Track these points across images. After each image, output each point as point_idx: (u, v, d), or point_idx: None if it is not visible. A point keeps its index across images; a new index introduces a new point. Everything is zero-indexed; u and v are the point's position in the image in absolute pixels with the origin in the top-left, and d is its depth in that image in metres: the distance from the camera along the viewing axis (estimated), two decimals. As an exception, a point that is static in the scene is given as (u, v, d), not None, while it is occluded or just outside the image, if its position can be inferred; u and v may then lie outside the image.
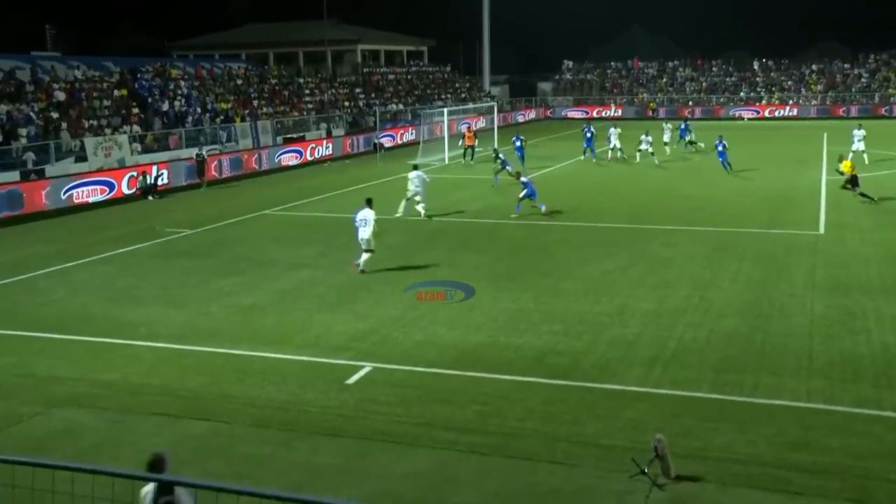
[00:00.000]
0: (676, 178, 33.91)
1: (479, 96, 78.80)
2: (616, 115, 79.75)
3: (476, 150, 42.36)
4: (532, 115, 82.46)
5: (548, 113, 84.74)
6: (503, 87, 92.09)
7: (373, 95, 63.87)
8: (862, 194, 27.64)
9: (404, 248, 22.40)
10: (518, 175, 28.48)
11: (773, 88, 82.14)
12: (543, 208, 26.71)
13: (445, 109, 47.73)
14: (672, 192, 31.42)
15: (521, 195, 26.69)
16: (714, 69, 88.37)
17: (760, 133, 60.70)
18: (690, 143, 45.01)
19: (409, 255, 21.47)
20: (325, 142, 48.45)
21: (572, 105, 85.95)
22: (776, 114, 77.20)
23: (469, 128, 48.23)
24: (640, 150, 40.59)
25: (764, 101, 79.98)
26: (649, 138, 40.81)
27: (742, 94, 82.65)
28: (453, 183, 35.69)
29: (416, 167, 28.28)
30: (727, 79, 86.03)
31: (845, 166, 29.32)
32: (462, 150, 42.58)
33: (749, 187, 32.12)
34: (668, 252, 21.22)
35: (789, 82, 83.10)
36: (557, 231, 24.36)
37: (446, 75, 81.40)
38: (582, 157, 42.43)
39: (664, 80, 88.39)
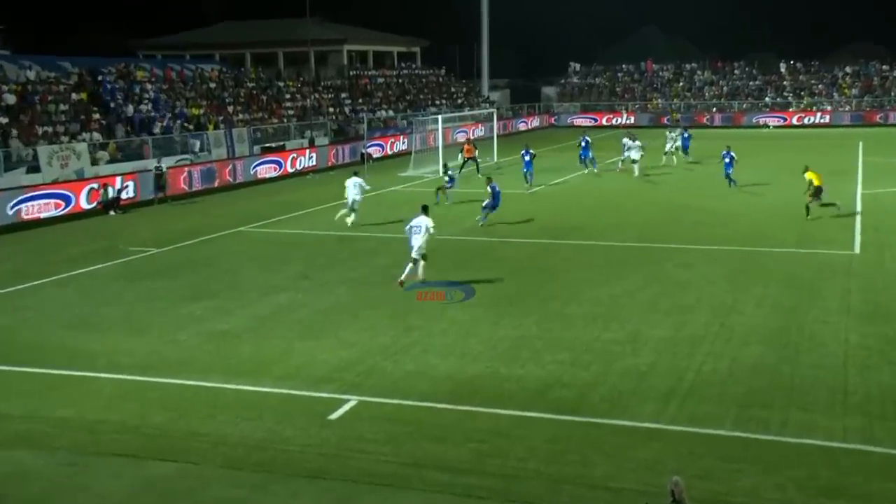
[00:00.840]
0: (691, 192, 34.04)
1: (477, 102, 79.12)
2: (628, 122, 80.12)
3: (478, 161, 42.63)
4: (536, 122, 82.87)
5: (552, 120, 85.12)
6: (503, 91, 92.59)
7: (360, 101, 64.10)
8: (824, 205, 28.47)
9: (393, 270, 22.38)
10: (489, 181, 28.82)
11: (802, 93, 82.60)
12: (482, 222, 27.99)
13: (440, 116, 47.96)
14: (687, 207, 31.57)
15: (485, 203, 27.87)
16: (736, 72, 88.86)
17: (788, 142, 60.99)
18: (675, 151, 45.64)
19: (399, 276, 21.44)
20: (307, 152, 48.60)
21: (579, 112, 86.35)
22: (805, 121, 77.58)
23: (468, 138, 48.39)
24: (624, 159, 41.86)
25: (792, 108, 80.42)
26: (637, 142, 41.49)
27: (767, 99, 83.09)
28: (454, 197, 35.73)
29: (355, 173, 29.44)
30: (751, 82, 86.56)
31: (813, 177, 29.68)
32: (461, 163, 42.68)
33: (775, 202, 32.24)
34: (684, 274, 21.29)
35: (820, 86, 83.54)
36: (561, 251, 24.42)
37: (441, 79, 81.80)
38: (586, 171, 42.61)
39: (681, 84, 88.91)
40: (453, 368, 14.57)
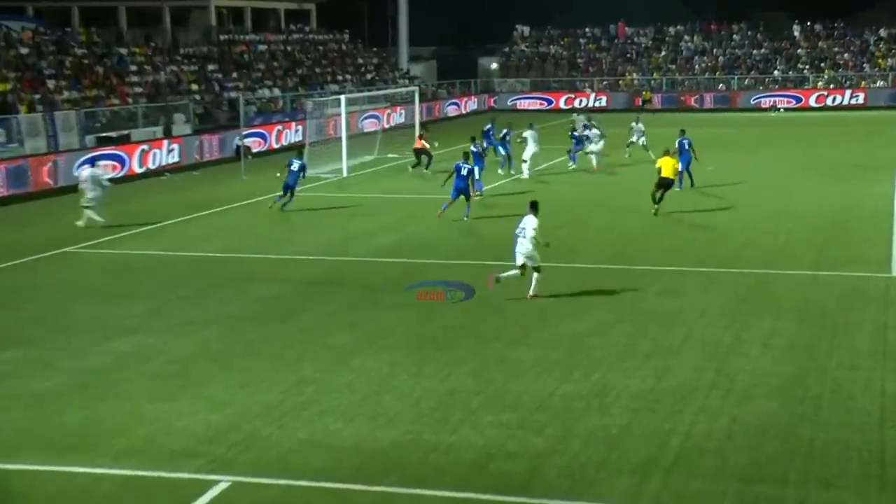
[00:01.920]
0: (678, 199, 34.52)
1: (393, 78, 79.41)
2: (598, 105, 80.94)
3: (432, 156, 43.75)
4: (473, 104, 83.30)
5: (492, 102, 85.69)
6: (428, 64, 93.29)
7: (235, 75, 63.80)
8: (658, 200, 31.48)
9: (278, 302, 22.30)
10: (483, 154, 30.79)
11: (823, 65, 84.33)
12: (441, 211, 31.39)
13: (343, 97, 47.91)
14: (673, 217, 32.08)
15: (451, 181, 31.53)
16: (735, 37, 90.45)
17: (803, 130, 62.39)
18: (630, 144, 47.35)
19: (287, 311, 21.47)
20: (164, 144, 48.22)
21: (528, 91, 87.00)
22: (827, 102, 79.35)
23: (423, 124, 49.88)
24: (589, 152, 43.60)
25: (809, 84, 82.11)
26: (596, 131, 43.61)
27: (777, 72, 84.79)
28: (359, 205, 35.76)
29: (92, 163, 31.52)
30: (754, 51, 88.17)
31: (664, 165, 31.16)
32: (414, 159, 43.69)
33: (786, 209, 32.88)
34: (670, 304, 21.53)
35: (846, 55, 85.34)
36: (510, 275, 24.62)
37: (344, 47, 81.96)
38: (571, 164, 44.40)
39: (663, 53, 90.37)
40: (362, 435, 14.50)
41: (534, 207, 22.09)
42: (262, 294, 22.94)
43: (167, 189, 41.41)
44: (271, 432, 14.69)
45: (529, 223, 21.72)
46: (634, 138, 46.92)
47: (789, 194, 36.22)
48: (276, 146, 55.12)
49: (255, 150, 51.94)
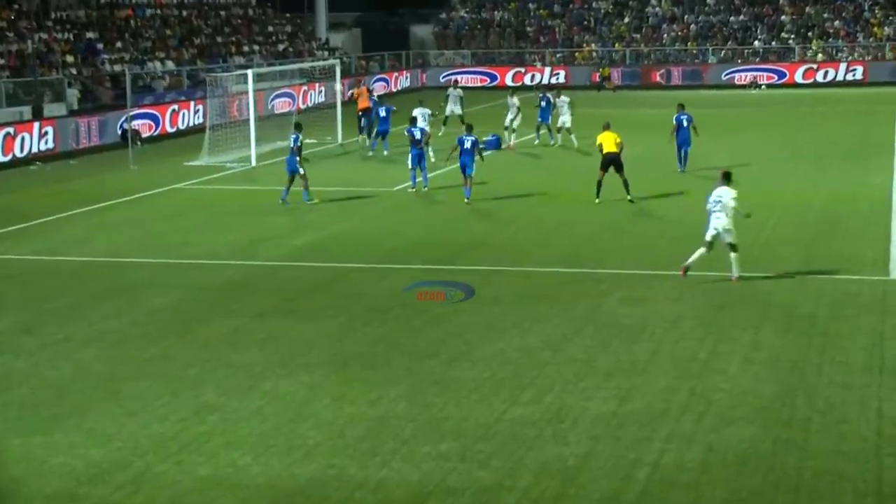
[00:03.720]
0: (644, 189, 34.69)
1: (309, 49, 79.17)
2: (556, 82, 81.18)
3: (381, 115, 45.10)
4: (405, 80, 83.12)
5: (424, 79, 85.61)
6: (351, 33, 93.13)
7: (119, 45, 63.19)
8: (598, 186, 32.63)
9: (174, 314, 22.21)
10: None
11: (811, 34, 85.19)
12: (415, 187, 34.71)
13: (250, 72, 47.65)
14: (638, 211, 32.41)
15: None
16: (710, 2, 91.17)
17: (788, 111, 62.99)
18: (557, 129, 47.99)
19: (185, 325, 21.42)
20: (33, 127, 47.79)
21: (468, 65, 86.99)
22: (817, 77, 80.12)
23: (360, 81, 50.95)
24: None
25: (795, 57, 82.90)
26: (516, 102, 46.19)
27: (756, 42, 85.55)
28: (271, 200, 35.73)
29: None
30: (731, 18, 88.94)
31: (605, 140, 32.08)
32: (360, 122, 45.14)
33: (769, 202, 32.90)
34: (634, 313, 21.66)
35: (837, 23, 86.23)
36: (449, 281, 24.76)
37: (251, 12, 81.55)
38: (537, 141, 46.60)
39: (626, 20, 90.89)
40: (275, 471, 14.46)
41: (727, 177, 23.68)
42: (155, 305, 22.80)
43: (38, 181, 41.05)
44: (167, 469, 14.59)
45: (727, 194, 23.20)
46: (511, 116, 48.24)
47: (772, 184, 36.54)
48: (170, 130, 54.79)
49: (144, 135, 51.57)
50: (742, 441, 15.20)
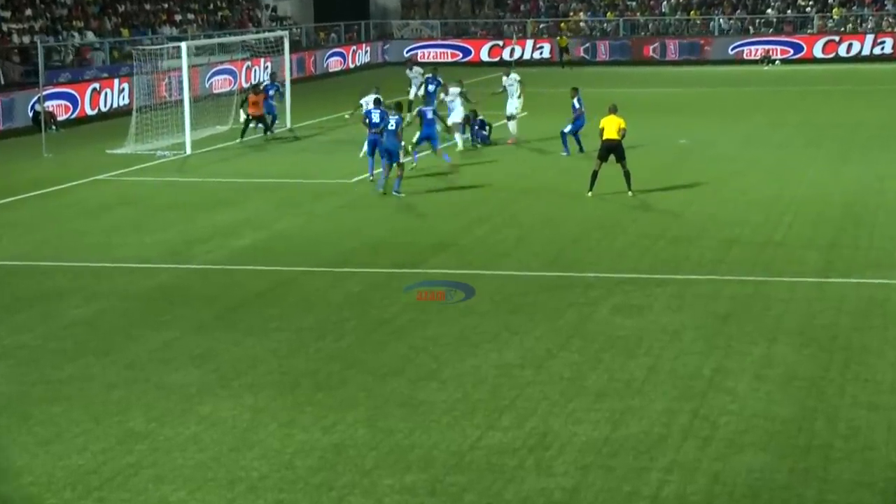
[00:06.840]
0: (638, 181, 34.72)
1: (254, 19, 79.05)
2: (538, 57, 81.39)
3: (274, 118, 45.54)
4: (364, 55, 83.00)
5: (384, 54, 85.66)
6: (302, 1, 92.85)
7: (28, 13, 62.95)
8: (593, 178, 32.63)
9: (96, 328, 22.10)
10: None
11: (832, 1, 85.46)
12: (448, 159, 35.63)
13: (184, 45, 47.46)
14: (634, 205, 32.48)
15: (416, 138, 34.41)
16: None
17: (805, 91, 63.23)
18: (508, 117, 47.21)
19: (108, 339, 21.32)
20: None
21: (437, 37, 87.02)
22: (839, 51, 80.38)
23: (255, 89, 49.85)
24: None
25: (813, 29, 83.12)
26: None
27: (770, 11, 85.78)
28: (208, 193, 35.56)
29: None
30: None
31: (607, 124, 32.24)
32: (243, 124, 44.30)
33: (783, 196, 33.23)
34: (629, 324, 21.68)
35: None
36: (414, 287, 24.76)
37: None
38: (460, 145, 43.15)
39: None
40: (213, 509, 14.38)
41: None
42: (73, 317, 22.68)
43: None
44: (85, 509, 14.51)
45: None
46: (511, 108, 46.64)
47: (787, 176, 36.60)
48: (90, 112, 54.62)
49: (60, 118, 51.40)
50: (753, 471, 15.22)
